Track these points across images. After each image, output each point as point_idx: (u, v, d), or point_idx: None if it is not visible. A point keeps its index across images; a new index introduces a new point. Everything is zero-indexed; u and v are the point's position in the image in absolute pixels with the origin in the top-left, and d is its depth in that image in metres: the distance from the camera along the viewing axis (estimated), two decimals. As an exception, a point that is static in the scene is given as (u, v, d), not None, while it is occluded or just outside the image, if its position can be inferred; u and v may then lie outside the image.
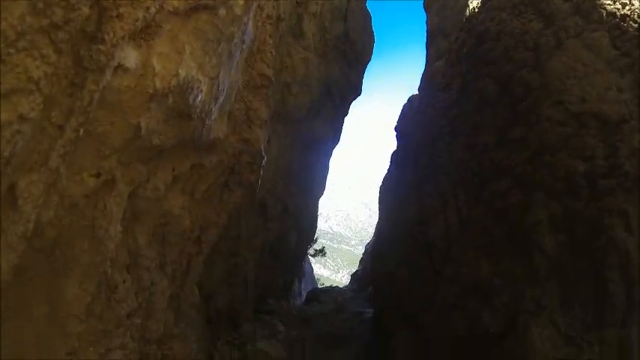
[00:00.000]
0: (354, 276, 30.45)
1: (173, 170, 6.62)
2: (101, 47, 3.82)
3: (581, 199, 7.70)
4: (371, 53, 22.40)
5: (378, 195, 21.38)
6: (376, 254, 18.82)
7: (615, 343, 7.29)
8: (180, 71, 5.20)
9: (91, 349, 5.39)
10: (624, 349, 7.23)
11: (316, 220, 23.38)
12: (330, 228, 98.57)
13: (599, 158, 7.62)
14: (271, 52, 9.87)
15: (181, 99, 5.42)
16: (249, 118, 9.19)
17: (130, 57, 4.58)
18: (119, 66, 4.42)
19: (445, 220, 11.28)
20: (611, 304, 7.25)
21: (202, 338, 10.17)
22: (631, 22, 8.37)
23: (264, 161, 9.96)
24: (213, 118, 6.73)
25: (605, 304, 7.30)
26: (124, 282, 6.05)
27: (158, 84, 4.93)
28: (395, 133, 19.24)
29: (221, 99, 6.78)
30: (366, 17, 21.56)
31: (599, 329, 7.36)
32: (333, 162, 24.19)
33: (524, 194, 8.56)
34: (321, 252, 27.24)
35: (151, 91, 4.86)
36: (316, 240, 25.40)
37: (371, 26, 22.04)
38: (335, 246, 79.83)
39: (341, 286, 29.47)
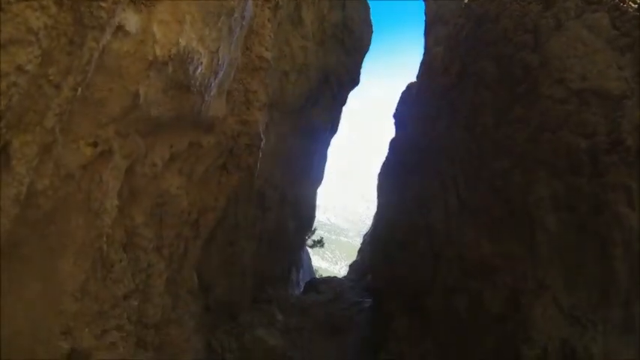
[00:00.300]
0: (352, 266, 30.40)
1: (171, 147, 6.54)
2: (102, 4, 3.76)
3: (584, 175, 7.61)
4: (369, 43, 22.36)
5: (376, 185, 21.30)
6: (375, 239, 18.79)
7: (620, 322, 7.22)
8: (180, 40, 5.13)
9: (87, 329, 5.33)
10: (629, 328, 7.16)
11: (314, 210, 23.35)
12: (328, 219, 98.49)
13: (600, 134, 7.53)
14: (270, 36, 9.82)
15: (181, 69, 5.36)
16: (247, 100, 9.13)
17: (131, 20, 4.51)
18: (119, 28, 4.36)
19: (445, 202, 11.21)
20: (616, 283, 7.16)
21: (200, 326, 10.10)
22: (630, 3, 8.31)
23: (262, 143, 9.90)
24: (212, 94, 6.67)
25: (609, 282, 7.22)
26: (121, 261, 5.97)
27: (158, 51, 4.86)
28: (393, 120, 19.19)
29: (220, 74, 6.71)
30: (365, 7, 21.50)
31: (604, 308, 7.28)
32: (331, 152, 24.15)
33: (526, 173, 8.47)
34: (320, 243, 27.19)
35: (150, 58, 4.80)
36: (315, 231, 25.35)
37: (369, 16, 21.98)
38: (333, 237, 79.74)
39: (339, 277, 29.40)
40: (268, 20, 9.61)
